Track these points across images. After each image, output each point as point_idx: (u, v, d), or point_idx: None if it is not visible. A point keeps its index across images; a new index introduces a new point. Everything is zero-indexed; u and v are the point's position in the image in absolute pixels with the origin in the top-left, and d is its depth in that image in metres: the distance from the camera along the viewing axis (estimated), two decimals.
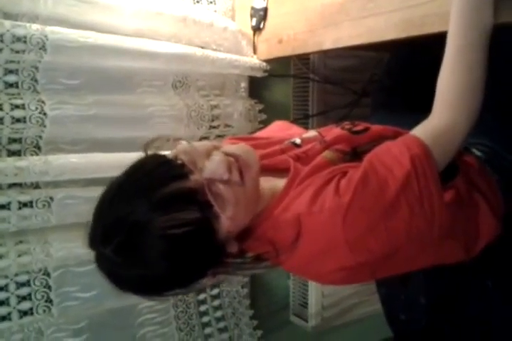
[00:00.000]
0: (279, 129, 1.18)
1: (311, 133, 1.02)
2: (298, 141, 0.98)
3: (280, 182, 0.85)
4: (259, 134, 1.19)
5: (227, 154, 0.76)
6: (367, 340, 2.01)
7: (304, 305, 1.87)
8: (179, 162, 0.75)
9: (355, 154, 0.89)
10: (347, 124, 0.98)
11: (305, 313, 1.88)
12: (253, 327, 1.76)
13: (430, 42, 1.23)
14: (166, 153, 0.79)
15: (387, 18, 1.13)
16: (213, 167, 0.74)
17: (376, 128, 0.96)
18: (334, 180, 0.77)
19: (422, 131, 0.80)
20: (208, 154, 0.76)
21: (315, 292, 1.83)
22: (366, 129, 0.95)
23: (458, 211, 0.83)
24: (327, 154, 0.88)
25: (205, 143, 0.80)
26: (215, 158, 0.75)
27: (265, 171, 0.88)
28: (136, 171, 0.76)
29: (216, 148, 0.79)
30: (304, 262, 0.80)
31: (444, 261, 0.89)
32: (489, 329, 1.07)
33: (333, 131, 0.96)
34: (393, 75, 1.47)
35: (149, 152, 0.80)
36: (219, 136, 1.62)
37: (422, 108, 1.05)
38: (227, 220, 0.75)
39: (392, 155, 0.76)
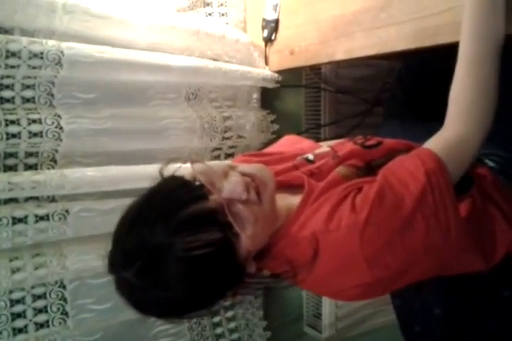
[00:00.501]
0: (290, 143, 1.18)
1: (324, 148, 1.02)
2: (311, 156, 0.98)
3: (295, 199, 0.85)
4: (270, 149, 1.19)
5: (243, 174, 0.77)
6: None
7: (318, 315, 1.86)
8: (197, 183, 0.76)
9: (369, 169, 0.89)
10: (359, 139, 0.99)
11: (319, 324, 1.87)
12: (266, 339, 1.76)
13: (442, 52, 1.24)
14: (183, 174, 0.79)
15: (399, 28, 1.14)
16: (231, 187, 0.74)
17: (388, 142, 0.96)
18: (350, 197, 0.77)
19: (435, 143, 0.80)
20: (225, 174, 0.77)
21: (329, 302, 1.82)
22: (379, 143, 0.95)
23: (473, 223, 0.83)
24: (341, 169, 0.88)
25: (221, 164, 0.81)
26: (232, 179, 0.75)
27: (279, 188, 0.88)
28: (155, 194, 0.76)
29: (232, 168, 0.79)
30: (322, 280, 0.80)
31: (463, 271, 0.90)
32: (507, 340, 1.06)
33: (346, 146, 0.96)
34: (404, 85, 1.47)
35: (166, 174, 0.81)
36: (232, 147, 1.64)
37: (433, 118, 1.05)
38: (247, 239, 0.74)
39: (407, 169, 0.76)
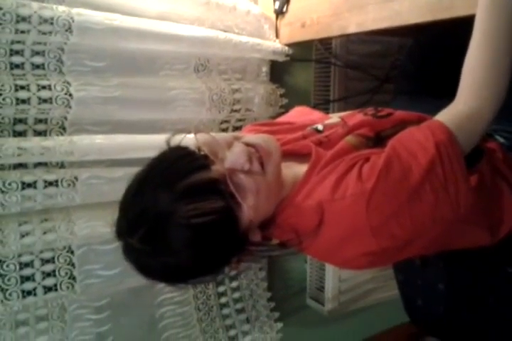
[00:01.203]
0: (300, 114, 1.17)
1: (334, 119, 1.01)
2: (320, 127, 0.97)
3: (302, 168, 0.85)
4: (280, 120, 1.19)
5: (247, 144, 0.77)
6: (383, 325, 2.02)
7: (321, 289, 1.88)
8: (201, 153, 0.76)
9: (379, 139, 0.88)
10: (370, 110, 0.98)
11: (321, 297, 1.89)
12: (270, 309, 1.78)
13: (453, 28, 1.22)
14: (188, 144, 0.80)
15: (413, 1, 1.12)
16: (234, 157, 0.75)
17: (399, 113, 0.95)
18: (357, 166, 0.77)
19: (446, 116, 0.79)
20: (228, 145, 0.77)
21: (332, 276, 1.84)
22: (389, 114, 0.95)
23: (481, 196, 0.83)
24: (350, 139, 0.88)
25: (226, 134, 0.81)
26: (235, 149, 0.76)
27: (287, 156, 0.89)
28: (159, 163, 0.77)
29: (237, 138, 0.79)
30: (327, 248, 0.80)
31: (469, 245, 0.90)
32: (509, 316, 1.07)
33: (356, 117, 0.96)
34: (415, 61, 1.46)
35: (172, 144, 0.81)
36: (240, 120, 1.63)
37: (444, 94, 1.04)
38: (249, 209, 0.75)
39: (417, 140, 0.75)
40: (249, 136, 0.83)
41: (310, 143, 0.90)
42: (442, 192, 0.72)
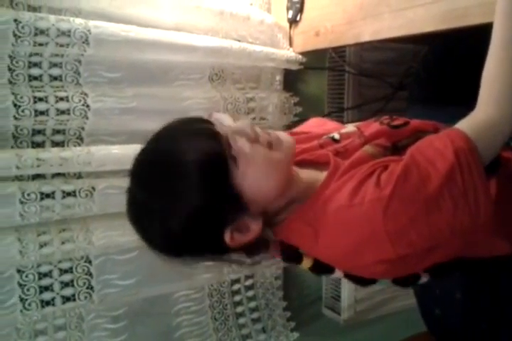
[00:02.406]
0: (316, 125, 1.17)
1: (349, 128, 1.01)
2: (336, 136, 0.97)
3: (320, 175, 0.85)
4: (296, 130, 1.19)
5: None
6: (400, 334, 2.00)
7: (337, 297, 1.88)
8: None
9: (396, 149, 0.88)
10: (385, 119, 0.98)
11: (337, 306, 1.88)
12: (286, 319, 1.78)
13: (468, 35, 1.22)
14: None
15: (428, 9, 1.12)
16: (242, 124, 0.78)
17: (415, 122, 0.95)
18: (375, 174, 0.76)
19: (466, 125, 0.78)
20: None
21: (348, 285, 1.83)
22: (405, 124, 0.94)
23: (499, 205, 0.82)
24: (367, 148, 0.88)
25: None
26: (245, 120, 0.79)
27: (305, 165, 0.89)
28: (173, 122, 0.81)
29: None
30: (343, 254, 0.79)
31: (487, 254, 0.89)
32: None
33: (372, 126, 0.96)
34: (429, 69, 1.45)
35: None
36: None
37: (459, 102, 1.03)
38: (241, 174, 0.75)
39: (435, 148, 0.75)
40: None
41: (327, 152, 0.90)
42: (461, 200, 0.71)
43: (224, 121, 0.81)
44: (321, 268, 0.88)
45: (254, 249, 0.85)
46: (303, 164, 0.90)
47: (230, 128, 0.78)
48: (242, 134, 0.76)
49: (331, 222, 0.77)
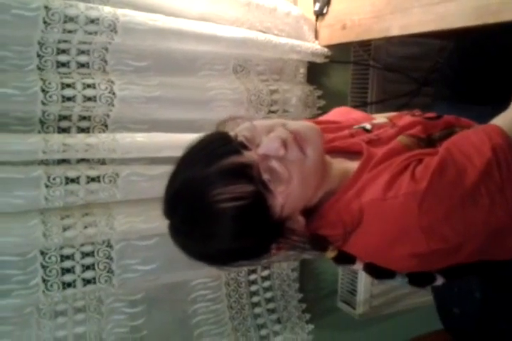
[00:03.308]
0: (341, 114, 1.17)
1: (381, 119, 1.01)
2: (368, 126, 0.97)
3: (352, 165, 0.84)
4: (323, 118, 1.18)
5: (287, 130, 0.77)
6: (415, 331, 2.00)
7: (353, 292, 1.88)
8: (239, 139, 0.77)
9: (430, 141, 0.87)
10: (417, 111, 0.97)
11: (353, 300, 1.88)
12: (301, 310, 1.78)
13: (495, 33, 1.20)
14: (230, 130, 0.82)
15: (460, 4, 1.10)
16: (268, 143, 0.75)
17: (448, 117, 0.94)
18: (410, 167, 0.75)
19: (502, 121, 0.77)
20: (269, 131, 0.78)
21: (364, 280, 1.83)
22: (439, 117, 0.94)
23: None
24: (402, 139, 0.87)
25: (272, 121, 0.82)
26: (272, 135, 0.76)
27: (337, 153, 0.89)
28: (196, 145, 0.79)
29: (283, 124, 0.79)
30: (375, 247, 0.80)
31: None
32: None
33: (405, 118, 0.95)
34: (454, 66, 1.43)
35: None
36: None
37: (484, 101, 1.02)
38: (280, 195, 0.75)
39: (472, 143, 0.74)
40: (292, 122, 0.82)
41: (360, 141, 0.90)
42: (498, 196, 0.70)
43: (245, 131, 0.78)
44: (344, 258, 0.88)
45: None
46: (334, 152, 0.89)
47: (258, 152, 0.75)
48: (270, 156, 0.75)
49: (363, 214, 0.77)
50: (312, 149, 0.77)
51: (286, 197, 0.76)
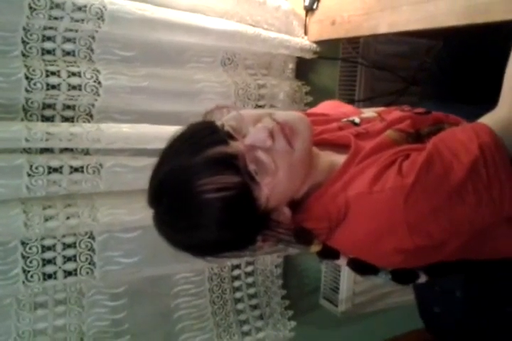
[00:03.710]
0: (332, 107, 1.16)
1: (369, 113, 1.00)
2: (357, 120, 0.96)
3: (339, 158, 0.84)
4: (312, 111, 1.18)
5: (275, 121, 0.76)
6: (396, 330, 2.01)
7: (335, 289, 1.87)
8: (226, 129, 0.76)
9: (418, 136, 0.87)
10: (406, 107, 0.97)
11: (335, 298, 1.88)
12: (284, 307, 1.78)
13: (484, 34, 1.21)
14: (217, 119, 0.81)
15: (449, 3, 1.10)
16: (255, 134, 0.74)
17: (437, 113, 0.94)
18: (397, 162, 0.75)
19: (489, 120, 0.76)
20: (256, 121, 0.77)
21: (347, 277, 1.82)
22: (428, 113, 0.94)
23: None
24: (390, 133, 0.86)
25: (259, 111, 0.81)
26: (259, 125, 0.75)
27: (324, 145, 0.88)
28: (181, 135, 0.78)
29: (270, 115, 0.78)
30: (359, 241, 0.79)
31: (494, 255, 0.87)
32: None
33: (394, 113, 0.95)
34: (443, 65, 1.44)
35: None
36: None
37: (472, 101, 1.02)
38: (266, 187, 0.74)
39: (460, 140, 0.73)
40: (281, 113, 0.80)
41: (349, 135, 0.89)
42: (485, 194, 0.70)
43: (232, 121, 0.77)
44: (328, 253, 0.88)
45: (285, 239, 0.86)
46: (322, 145, 0.88)
47: (243, 144, 0.74)
48: (257, 146, 0.74)
49: (349, 208, 0.76)
50: (300, 141, 0.76)
51: (272, 188, 0.75)
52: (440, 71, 1.44)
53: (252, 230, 0.78)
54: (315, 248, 0.87)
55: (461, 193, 0.70)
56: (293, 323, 1.78)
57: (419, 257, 0.79)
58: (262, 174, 0.74)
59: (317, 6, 1.59)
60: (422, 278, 0.90)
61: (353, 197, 0.76)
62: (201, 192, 0.70)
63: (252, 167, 0.73)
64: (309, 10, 1.61)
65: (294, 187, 0.80)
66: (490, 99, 0.81)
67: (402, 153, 0.77)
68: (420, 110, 0.95)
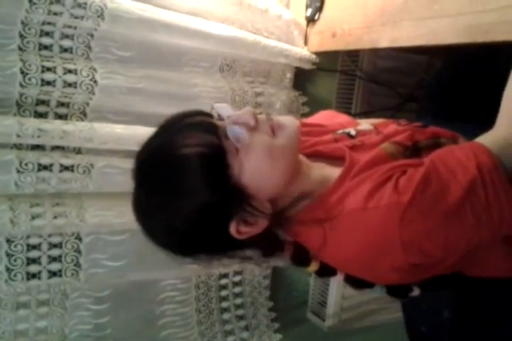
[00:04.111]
0: (328, 117, 1.15)
1: (365, 125, 0.99)
2: (353, 132, 0.95)
3: (333, 171, 0.83)
4: (308, 121, 1.17)
5: (267, 116, 0.79)
6: None
7: (323, 303, 1.85)
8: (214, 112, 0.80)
9: (416, 149, 0.86)
10: (403, 121, 0.96)
11: (323, 312, 1.85)
12: (270, 319, 1.75)
13: (485, 53, 1.21)
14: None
15: (452, 21, 1.10)
16: (240, 112, 0.77)
17: (434, 127, 0.94)
18: (393, 178, 0.74)
19: (487, 140, 0.76)
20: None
21: (335, 292, 1.80)
22: (425, 126, 0.93)
23: None
24: (386, 146, 0.85)
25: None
26: (246, 108, 0.78)
27: (318, 157, 0.87)
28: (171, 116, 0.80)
29: (266, 113, 0.81)
30: (353, 258, 0.77)
31: (489, 273, 0.86)
32: None
33: (391, 126, 0.94)
34: (443, 83, 1.44)
35: None
36: None
37: (469, 119, 1.02)
38: (242, 159, 0.74)
39: (457, 159, 0.72)
40: (277, 116, 0.82)
41: (343, 147, 0.88)
42: (485, 216, 0.69)
43: (224, 111, 0.79)
44: (326, 271, 0.88)
45: (268, 247, 0.84)
46: (316, 157, 0.88)
47: (228, 119, 0.76)
48: (240, 123, 0.75)
49: (343, 224, 0.75)
50: (284, 135, 0.77)
51: (248, 164, 0.74)
52: (439, 88, 1.45)
53: (227, 198, 0.74)
54: (312, 268, 0.87)
55: (458, 214, 0.69)
56: (279, 336, 1.75)
57: (416, 274, 0.78)
58: (239, 149, 0.74)
59: (319, 16, 1.59)
60: (416, 292, 0.90)
61: (347, 213, 0.74)
62: (180, 147, 0.71)
63: (230, 135, 0.73)
64: (310, 20, 1.61)
65: (275, 179, 0.77)
66: (487, 118, 0.81)
67: (398, 169, 0.76)
68: (417, 124, 0.94)
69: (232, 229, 0.75)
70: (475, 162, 0.70)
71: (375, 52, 1.83)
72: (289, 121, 0.79)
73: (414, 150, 0.86)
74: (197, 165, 0.71)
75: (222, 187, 0.73)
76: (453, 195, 0.69)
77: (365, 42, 1.38)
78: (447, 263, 0.75)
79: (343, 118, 1.15)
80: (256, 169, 0.75)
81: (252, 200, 0.75)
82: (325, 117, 1.17)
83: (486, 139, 0.76)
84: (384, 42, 1.31)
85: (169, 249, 0.78)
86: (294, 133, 0.78)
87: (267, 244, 0.83)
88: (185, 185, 0.72)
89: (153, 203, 0.75)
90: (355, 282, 0.88)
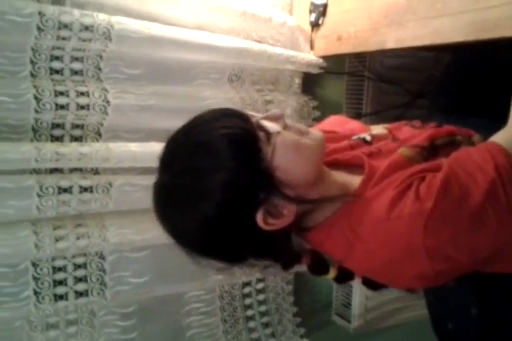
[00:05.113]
0: (338, 123, 1.15)
1: (379, 130, 0.99)
2: (368, 137, 0.95)
3: (353, 179, 0.83)
4: (319, 127, 1.17)
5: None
6: None
7: (347, 305, 1.85)
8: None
9: (433, 148, 0.86)
10: (416, 122, 0.96)
11: (348, 314, 1.85)
12: (296, 325, 1.76)
13: (494, 47, 1.20)
14: None
15: (456, 19, 1.09)
16: (272, 110, 0.79)
17: (448, 126, 0.93)
18: (414, 186, 0.74)
19: (502, 138, 0.76)
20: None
21: (359, 293, 1.80)
22: (439, 126, 0.93)
23: None
24: (404, 151, 0.85)
25: None
26: (276, 110, 0.80)
27: (337, 166, 0.87)
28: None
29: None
30: (378, 266, 0.77)
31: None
32: None
33: (404, 130, 0.94)
34: (453, 77, 1.43)
35: None
36: None
37: (482, 113, 1.01)
38: (272, 153, 0.74)
39: (475, 161, 0.73)
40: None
41: (361, 154, 0.88)
42: (506, 215, 0.69)
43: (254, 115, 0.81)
44: (344, 277, 0.88)
45: (287, 259, 0.85)
46: (334, 165, 0.88)
47: (260, 116, 0.78)
48: (272, 119, 0.77)
49: (368, 235, 0.75)
50: (310, 138, 0.78)
51: (276, 155, 0.75)
52: (450, 83, 1.44)
53: (257, 178, 0.73)
54: (331, 275, 0.87)
55: (481, 217, 0.69)
56: None
57: (438, 280, 0.78)
58: (271, 140, 0.75)
59: (323, 21, 1.59)
60: None
61: (371, 223, 0.75)
62: (213, 128, 0.72)
63: (264, 125, 0.76)
64: (315, 25, 1.61)
65: (299, 173, 0.77)
66: (500, 111, 0.81)
67: (417, 175, 0.76)
68: (431, 125, 0.94)
69: (259, 218, 0.74)
70: (492, 163, 0.70)
71: (382, 52, 1.83)
72: (315, 130, 0.81)
73: (431, 150, 0.86)
74: (230, 142, 0.71)
75: (253, 166, 0.73)
76: (474, 200, 0.69)
77: (371, 44, 1.38)
78: (472, 267, 0.75)
79: (354, 123, 1.15)
80: (285, 161, 0.75)
81: (280, 191, 0.75)
82: (335, 123, 1.17)
83: (501, 137, 0.77)
84: (390, 44, 1.31)
85: (192, 241, 0.77)
86: (321, 140, 0.80)
87: (285, 255, 0.83)
88: (216, 161, 0.71)
89: (182, 183, 0.73)
90: (372, 284, 0.88)
